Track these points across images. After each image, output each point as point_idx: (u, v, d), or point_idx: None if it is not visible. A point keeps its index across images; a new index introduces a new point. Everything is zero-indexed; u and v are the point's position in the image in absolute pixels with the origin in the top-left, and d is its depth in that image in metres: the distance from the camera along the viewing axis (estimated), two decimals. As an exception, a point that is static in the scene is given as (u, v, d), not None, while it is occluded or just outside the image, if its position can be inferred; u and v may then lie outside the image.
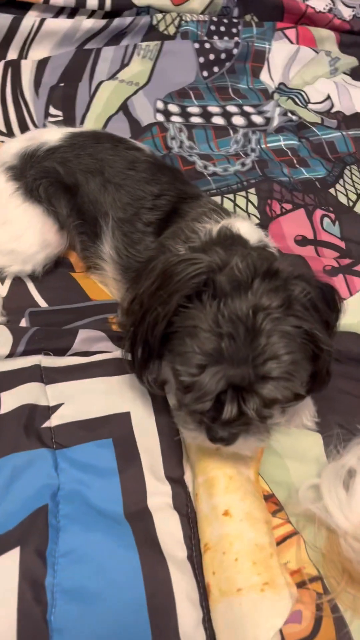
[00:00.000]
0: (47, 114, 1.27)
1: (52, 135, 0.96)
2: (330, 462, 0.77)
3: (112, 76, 1.39)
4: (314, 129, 1.38)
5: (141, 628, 0.59)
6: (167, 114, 1.32)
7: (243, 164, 1.23)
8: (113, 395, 0.79)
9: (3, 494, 0.66)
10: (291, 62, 1.57)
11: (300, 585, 0.66)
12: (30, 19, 1.38)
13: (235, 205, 1.14)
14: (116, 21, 1.46)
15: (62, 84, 1.33)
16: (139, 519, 0.68)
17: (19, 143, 0.96)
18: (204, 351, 0.58)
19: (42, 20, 1.39)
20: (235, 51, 1.50)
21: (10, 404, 0.74)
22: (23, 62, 1.34)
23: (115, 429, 0.76)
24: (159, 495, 0.71)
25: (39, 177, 0.92)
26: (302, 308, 0.62)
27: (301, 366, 0.62)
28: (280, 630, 0.61)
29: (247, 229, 0.79)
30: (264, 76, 1.53)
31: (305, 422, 0.82)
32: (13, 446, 0.70)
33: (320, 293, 0.65)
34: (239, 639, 0.58)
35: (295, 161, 1.28)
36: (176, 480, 0.74)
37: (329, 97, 1.56)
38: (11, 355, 0.80)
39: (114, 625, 0.59)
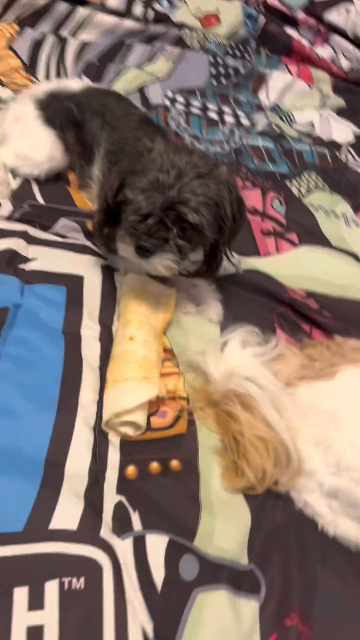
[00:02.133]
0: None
1: (75, 84, 1.28)
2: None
3: (138, 67, 1.73)
4: (289, 139, 1.70)
5: (53, 389, 0.87)
6: (173, 101, 1.66)
7: (222, 148, 1.54)
8: (75, 264, 1.09)
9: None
10: (287, 89, 1.91)
11: (172, 399, 0.93)
12: (84, 11, 1.74)
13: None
14: (152, 27, 1.82)
15: (98, 62, 1.67)
16: (72, 337, 0.96)
17: (49, 85, 1.29)
18: (147, 180, 0.87)
19: (94, 14, 1.74)
20: (242, 70, 1.84)
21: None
22: (71, 39, 1.69)
23: (70, 282, 1.05)
24: (90, 330, 0.99)
25: (57, 111, 1.23)
26: (220, 184, 0.91)
27: (210, 214, 0.89)
28: (149, 421, 0.88)
29: None
30: (261, 95, 1.87)
31: (211, 317, 1.10)
32: (-6, 268, 1.00)
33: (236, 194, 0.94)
34: (116, 405, 0.85)
35: (266, 157, 1.59)
36: (106, 326, 1.02)
37: (312, 124, 1.88)
38: (9, 219, 1.10)
39: (37, 381, 0.87)
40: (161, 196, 0.87)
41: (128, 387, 0.87)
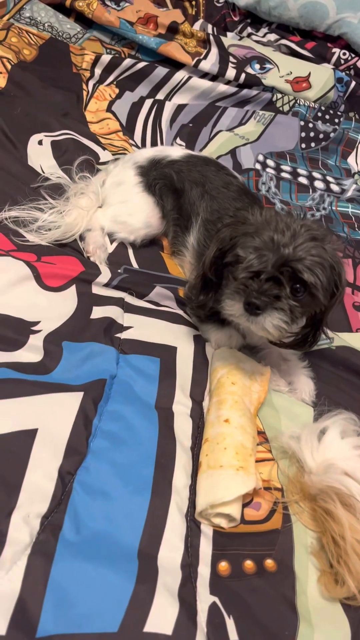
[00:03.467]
0: (173, 143, 1.63)
1: (176, 152, 1.30)
2: (313, 425, 1.00)
3: (230, 129, 1.75)
4: (380, 206, 1.67)
5: (147, 470, 0.84)
6: (264, 165, 1.66)
7: (312, 215, 1.52)
8: (168, 334, 1.08)
9: (81, 364, 0.95)
10: (377, 154, 1.88)
11: (266, 488, 0.89)
12: (180, 74, 1.78)
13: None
14: (244, 91, 1.84)
15: (191, 125, 1.70)
16: (164, 412, 0.94)
17: (151, 151, 1.31)
18: (260, 240, 0.86)
19: (189, 77, 1.79)
20: (332, 135, 1.83)
21: (98, 313, 1.04)
22: (167, 102, 1.73)
23: (164, 353, 1.03)
24: (182, 405, 0.97)
25: (158, 178, 1.25)
26: (335, 249, 0.90)
27: (324, 276, 0.86)
28: (243, 512, 0.84)
29: None
30: (350, 159, 1.84)
31: (304, 397, 1.06)
32: (94, 338, 0.99)
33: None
34: (211, 495, 0.82)
35: (356, 225, 1.56)
36: (197, 402, 0.99)
37: None
38: (107, 285, 1.10)
39: (131, 460, 0.85)
40: (274, 254, 0.85)
41: (224, 477, 0.83)
